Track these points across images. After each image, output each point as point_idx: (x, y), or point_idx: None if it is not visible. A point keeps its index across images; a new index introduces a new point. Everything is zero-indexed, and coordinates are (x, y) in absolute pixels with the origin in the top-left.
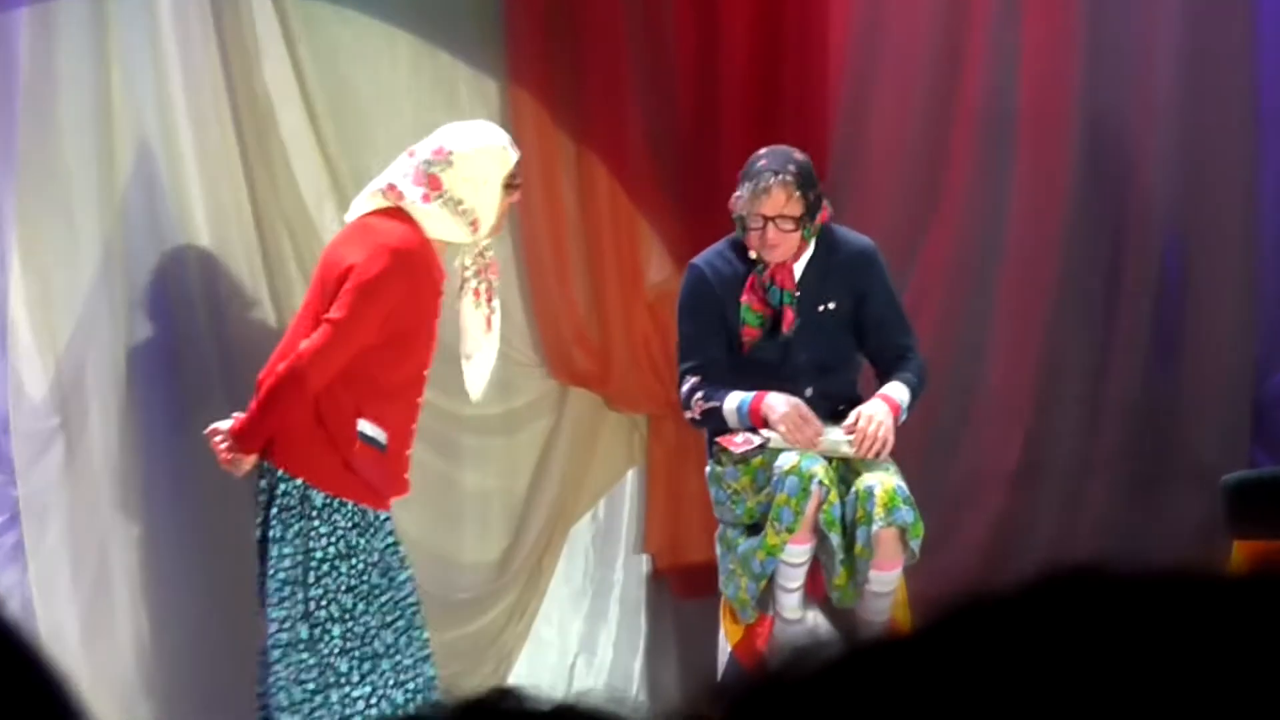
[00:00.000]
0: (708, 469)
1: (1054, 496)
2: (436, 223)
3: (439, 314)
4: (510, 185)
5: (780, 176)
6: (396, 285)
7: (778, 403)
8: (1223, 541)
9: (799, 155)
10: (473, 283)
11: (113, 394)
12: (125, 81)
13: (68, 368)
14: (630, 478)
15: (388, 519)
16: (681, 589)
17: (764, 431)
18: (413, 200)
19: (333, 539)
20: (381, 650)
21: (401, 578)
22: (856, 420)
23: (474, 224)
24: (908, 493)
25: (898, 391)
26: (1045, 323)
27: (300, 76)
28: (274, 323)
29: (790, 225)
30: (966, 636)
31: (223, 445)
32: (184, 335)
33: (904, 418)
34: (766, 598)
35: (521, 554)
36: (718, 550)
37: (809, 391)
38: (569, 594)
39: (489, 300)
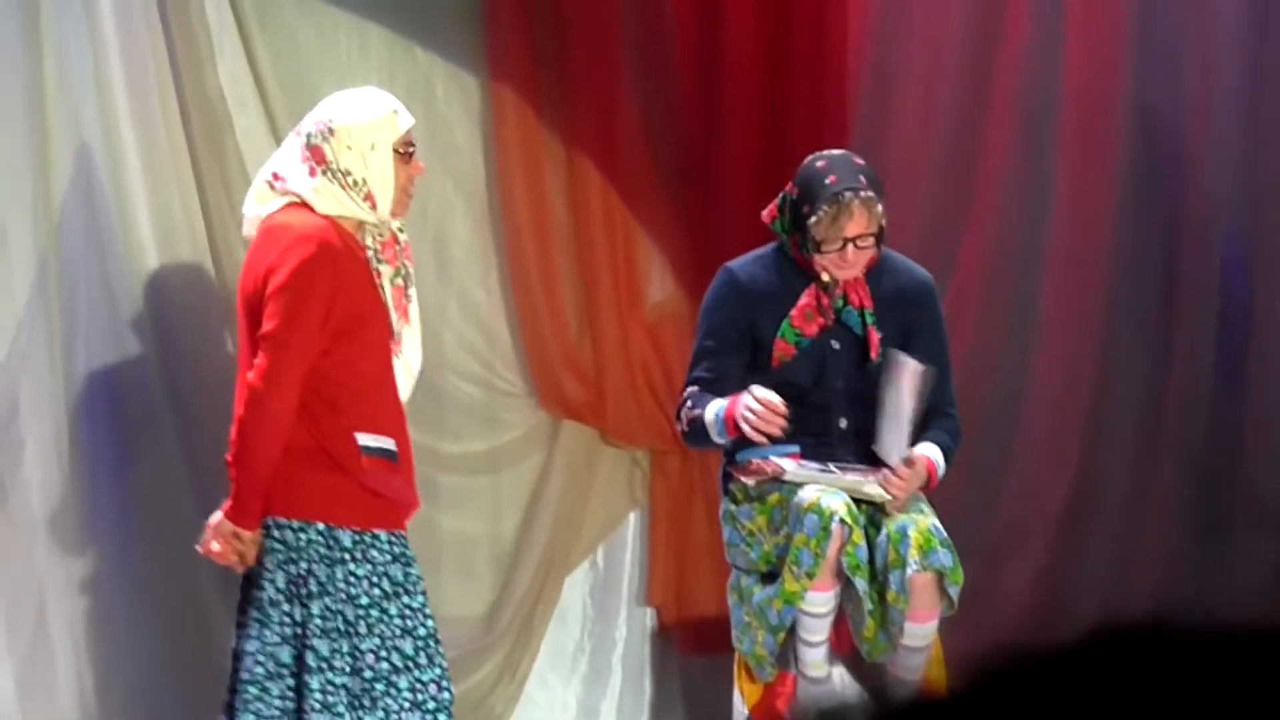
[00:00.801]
0: (721, 508)
1: (1106, 542)
2: (327, 199)
3: (378, 289)
4: (403, 154)
5: (860, 194)
6: (322, 275)
7: (742, 397)
8: None
9: (858, 159)
10: (373, 264)
11: (50, 428)
12: (60, 78)
13: (0, 398)
14: (631, 521)
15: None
16: (690, 645)
17: (777, 460)
18: (297, 180)
19: (374, 578)
20: (451, 698)
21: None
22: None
23: (369, 198)
24: (945, 535)
25: (935, 454)
26: (1093, 344)
27: (257, 74)
28: (229, 348)
29: (870, 242)
30: (1012, 700)
31: (215, 546)
32: (129, 363)
33: (938, 480)
34: (787, 653)
35: (510, 607)
36: (730, 601)
37: (843, 423)
38: (565, 652)
39: (405, 288)
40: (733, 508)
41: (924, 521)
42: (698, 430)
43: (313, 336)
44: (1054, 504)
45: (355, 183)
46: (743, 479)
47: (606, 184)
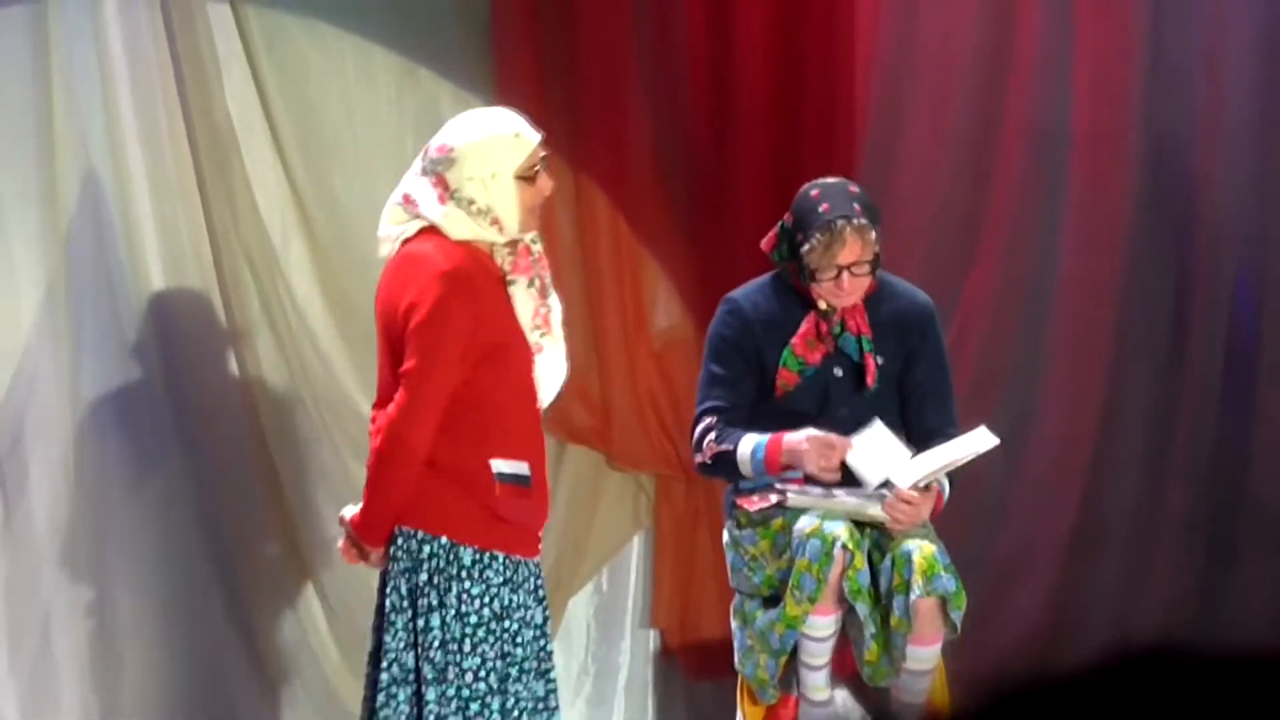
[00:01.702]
0: (725, 533)
1: (1114, 565)
2: (458, 225)
3: (514, 310)
4: (526, 178)
5: (853, 221)
6: (461, 311)
7: (797, 437)
8: None
9: (854, 187)
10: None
11: (56, 451)
12: (68, 103)
13: (6, 422)
14: (636, 544)
15: (538, 565)
16: (694, 668)
17: (780, 486)
18: (429, 206)
19: (485, 599)
20: None
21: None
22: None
23: (495, 222)
24: (949, 560)
25: (943, 481)
26: (1103, 368)
27: (264, 97)
28: (235, 372)
29: (866, 270)
30: None
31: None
32: (135, 386)
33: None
34: (789, 676)
35: None
36: (734, 624)
37: None
38: (569, 674)
39: (543, 297)
40: (736, 532)
41: (928, 546)
42: (726, 463)
43: (450, 373)
44: (1062, 527)
45: (480, 210)
46: (746, 507)
47: (614, 209)
